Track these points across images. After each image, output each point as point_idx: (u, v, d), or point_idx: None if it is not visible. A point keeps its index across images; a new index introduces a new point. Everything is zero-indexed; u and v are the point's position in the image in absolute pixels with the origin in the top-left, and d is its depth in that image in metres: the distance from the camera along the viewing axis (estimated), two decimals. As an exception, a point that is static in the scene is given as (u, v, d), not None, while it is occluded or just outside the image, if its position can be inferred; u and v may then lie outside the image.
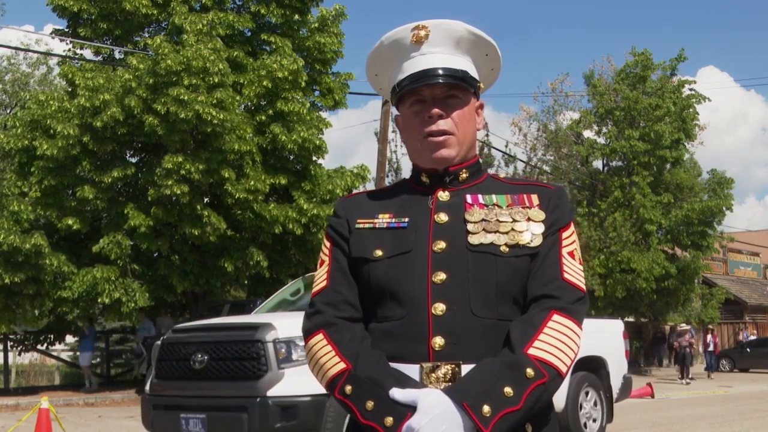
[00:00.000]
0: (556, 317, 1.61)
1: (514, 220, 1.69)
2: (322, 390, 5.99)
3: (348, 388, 1.61)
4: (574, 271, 1.69)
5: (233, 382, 6.37)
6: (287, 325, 6.49)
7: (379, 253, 1.71)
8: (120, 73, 15.93)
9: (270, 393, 6.13)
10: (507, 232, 1.68)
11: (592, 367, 8.73)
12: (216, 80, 15.25)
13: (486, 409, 1.49)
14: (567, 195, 1.80)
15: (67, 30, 18.51)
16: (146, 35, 17.99)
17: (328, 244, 1.82)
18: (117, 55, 18.46)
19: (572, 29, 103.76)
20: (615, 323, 10.04)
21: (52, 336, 20.82)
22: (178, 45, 15.66)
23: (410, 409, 1.52)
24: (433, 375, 1.60)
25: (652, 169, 27.17)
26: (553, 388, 1.59)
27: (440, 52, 1.74)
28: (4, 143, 16.82)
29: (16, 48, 25.14)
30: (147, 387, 7.20)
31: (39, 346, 21.51)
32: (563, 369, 1.58)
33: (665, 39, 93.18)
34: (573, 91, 29.06)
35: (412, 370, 1.61)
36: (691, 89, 28.15)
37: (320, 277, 1.79)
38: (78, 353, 18.36)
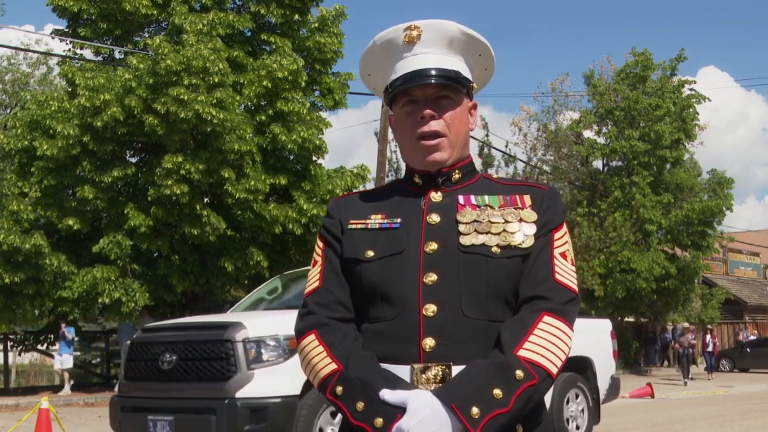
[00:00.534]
0: (546, 318, 1.61)
1: (506, 221, 1.69)
2: (293, 391, 5.67)
3: (339, 389, 1.61)
4: (565, 273, 1.69)
5: (202, 383, 6.21)
6: (258, 324, 6.35)
7: (370, 253, 1.71)
8: (120, 73, 15.93)
9: (239, 394, 5.98)
10: (499, 233, 1.68)
11: (578, 368, 8.53)
12: (216, 80, 15.25)
13: (475, 410, 1.49)
14: (560, 195, 1.79)
15: (67, 30, 18.52)
16: (146, 35, 18.00)
17: (321, 244, 1.82)
18: (117, 55, 18.47)
19: (572, 29, 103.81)
20: (602, 323, 9.82)
21: (52, 336, 20.82)
22: (178, 45, 15.66)
23: (400, 410, 1.53)
24: (424, 376, 1.60)
25: (652, 169, 27.17)
26: (544, 389, 1.59)
27: (433, 53, 1.73)
28: (4, 143, 16.84)
29: (16, 48, 25.16)
30: (116, 388, 7.05)
31: (39, 346, 21.52)
32: (553, 370, 1.58)
33: (665, 39, 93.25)
34: (573, 91, 29.07)
35: (403, 371, 1.61)
36: (691, 89, 28.17)
37: (313, 278, 1.79)
38: (58, 356, 17.70)
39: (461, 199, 1.74)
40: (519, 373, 1.53)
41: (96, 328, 23.62)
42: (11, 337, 20.65)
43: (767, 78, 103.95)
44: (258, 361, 6.10)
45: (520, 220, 1.70)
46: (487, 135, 26.94)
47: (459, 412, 1.49)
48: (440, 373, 1.60)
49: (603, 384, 8.72)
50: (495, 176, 1.86)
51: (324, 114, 18.61)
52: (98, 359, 22.16)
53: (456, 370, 1.59)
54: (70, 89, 17.33)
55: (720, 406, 15.03)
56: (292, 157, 17.65)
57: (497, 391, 1.51)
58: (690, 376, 21.82)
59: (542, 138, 28.30)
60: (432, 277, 1.65)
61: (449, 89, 1.73)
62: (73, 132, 15.59)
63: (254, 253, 16.57)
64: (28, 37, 29.11)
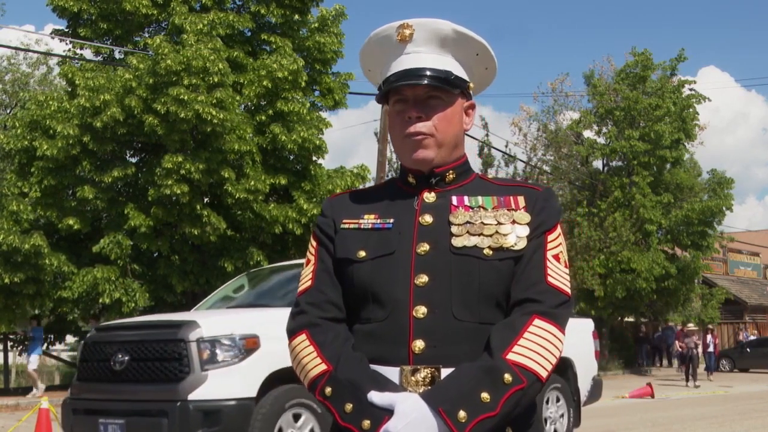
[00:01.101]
0: (537, 322, 1.60)
1: (499, 223, 1.68)
2: (249, 393, 5.55)
3: (328, 390, 1.61)
4: (558, 275, 1.67)
5: (154, 385, 5.96)
6: (213, 323, 6.12)
7: (362, 254, 1.70)
8: (120, 73, 15.93)
9: (192, 396, 5.73)
10: (491, 235, 1.66)
11: (558, 369, 8.25)
12: (216, 80, 15.25)
13: (462, 414, 1.49)
14: (555, 197, 1.77)
15: (67, 30, 18.52)
16: (146, 35, 17.99)
17: (314, 243, 1.82)
18: (117, 55, 18.46)
19: (572, 29, 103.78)
20: (584, 322, 9.62)
21: (52, 336, 20.83)
22: (178, 45, 15.66)
23: (387, 412, 1.52)
24: (413, 378, 1.59)
25: (652, 169, 27.18)
26: (532, 393, 1.57)
27: (425, 52, 1.72)
28: (4, 143, 16.85)
29: (16, 48, 25.15)
30: (69, 389, 6.85)
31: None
32: (543, 374, 1.57)
33: (665, 39, 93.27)
34: (573, 91, 29.07)
35: (392, 373, 1.61)
36: (691, 89, 28.17)
37: (305, 277, 1.79)
38: (26, 357, 17.32)
39: (455, 200, 1.73)
40: (507, 377, 1.53)
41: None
42: (11, 337, 20.65)
43: (767, 78, 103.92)
44: (212, 362, 5.87)
45: (513, 221, 1.69)
46: (487, 135, 26.97)
47: (446, 415, 1.49)
48: (429, 375, 1.59)
49: (584, 386, 8.51)
50: (491, 176, 1.84)
51: (324, 114, 18.62)
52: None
53: (445, 372, 1.58)
54: (70, 89, 17.32)
55: (720, 406, 15.03)
56: (292, 157, 17.65)
57: (485, 395, 1.51)
58: (696, 381, 21.22)
59: (542, 138, 28.30)
60: (423, 279, 1.64)
61: (439, 90, 1.71)
62: (73, 132, 15.59)
63: (254, 253, 16.57)
64: (28, 37, 29.14)
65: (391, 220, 1.73)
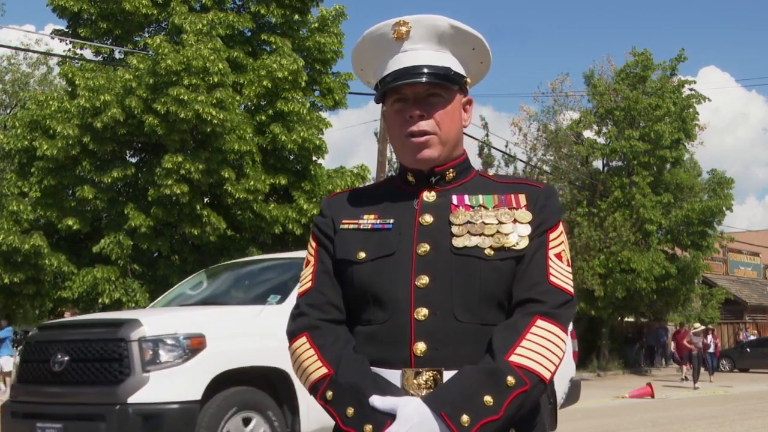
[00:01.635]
0: (539, 322, 1.57)
1: (500, 222, 1.66)
2: (193, 396, 5.31)
3: (329, 394, 1.59)
4: (561, 274, 1.65)
5: (94, 387, 5.65)
6: (157, 321, 5.82)
7: (362, 255, 1.68)
8: (120, 73, 15.93)
9: (131, 399, 5.42)
10: (492, 235, 1.64)
11: None
12: (216, 80, 15.25)
13: (465, 418, 1.47)
14: (556, 194, 1.75)
15: (67, 30, 18.52)
16: (146, 35, 17.99)
17: (314, 244, 1.79)
18: (117, 55, 18.46)
19: (572, 29, 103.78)
20: None
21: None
22: (178, 45, 15.66)
23: (390, 416, 1.51)
24: (415, 381, 1.57)
25: (652, 169, 27.17)
26: (536, 395, 1.56)
27: (422, 49, 1.69)
28: (4, 143, 16.85)
29: (16, 48, 25.15)
30: (9, 392, 6.59)
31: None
32: (546, 376, 1.55)
33: (665, 39, 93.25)
34: (573, 91, 29.05)
35: (394, 376, 1.59)
36: (691, 89, 28.17)
37: (305, 278, 1.76)
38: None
39: (455, 199, 1.70)
40: (510, 379, 1.51)
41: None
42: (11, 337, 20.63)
43: (767, 78, 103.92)
44: (154, 363, 5.54)
45: (515, 220, 1.66)
46: (487, 135, 26.96)
47: (448, 419, 1.47)
48: (431, 378, 1.57)
49: (561, 387, 8.30)
50: (491, 174, 1.83)
51: (324, 114, 18.62)
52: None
53: (447, 375, 1.56)
54: (70, 89, 17.32)
55: (720, 406, 15.03)
56: (292, 157, 17.65)
57: (488, 398, 1.49)
58: (696, 382, 20.91)
59: (542, 138, 28.29)
60: (424, 280, 1.61)
61: (439, 87, 1.69)
62: (73, 132, 15.59)
63: (254, 253, 16.56)
64: (28, 37, 29.13)
65: (391, 221, 1.70)
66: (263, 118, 16.85)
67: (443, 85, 1.69)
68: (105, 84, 15.63)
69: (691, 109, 27.72)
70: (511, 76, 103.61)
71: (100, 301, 15.94)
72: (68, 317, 7.34)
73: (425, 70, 1.67)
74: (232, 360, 5.77)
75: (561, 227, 1.72)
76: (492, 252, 1.63)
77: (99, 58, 18.38)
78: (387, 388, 1.56)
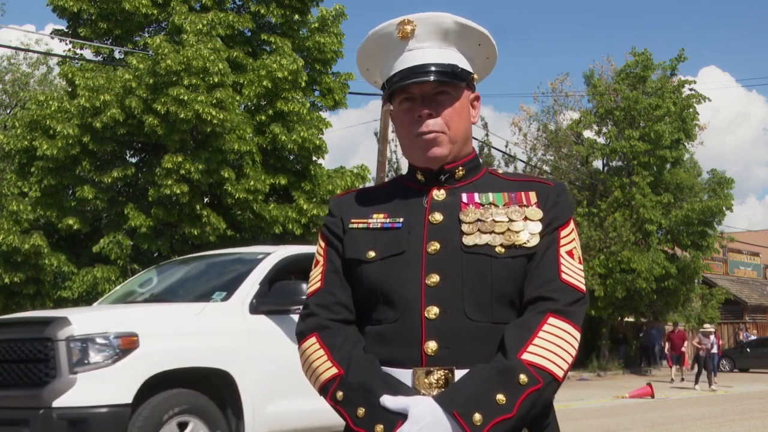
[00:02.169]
0: (552, 320, 1.56)
1: (511, 220, 1.65)
2: (124, 399, 5.02)
3: (339, 394, 1.58)
4: (572, 272, 1.64)
5: (17, 390, 5.33)
6: (87, 319, 5.49)
7: (372, 254, 1.67)
8: (120, 73, 15.93)
9: (56, 403, 5.09)
10: (503, 233, 1.63)
11: None
12: (216, 80, 15.25)
13: (477, 417, 1.46)
14: (567, 191, 1.74)
15: (67, 30, 18.51)
16: (146, 35, 17.99)
17: (323, 244, 1.78)
18: (117, 55, 18.46)
19: (572, 29, 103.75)
20: None
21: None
22: (178, 45, 15.66)
23: (401, 416, 1.49)
24: (426, 380, 1.56)
25: (652, 169, 27.18)
26: (549, 393, 1.54)
27: (428, 47, 1.69)
28: (3, 143, 16.85)
29: (16, 48, 25.13)
30: None
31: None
32: (559, 374, 1.54)
33: (665, 39, 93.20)
34: (573, 91, 29.08)
35: (404, 375, 1.57)
36: (691, 89, 28.17)
37: (314, 278, 1.75)
38: None
39: (464, 197, 1.69)
40: (523, 377, 1.50)
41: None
42: None
43: None
44: (82, 364, 5.20)
45: (525, 218, 1.65)
46: (487, 135, 26.97)
47: (461, 419, 1.46)
48: (443, 377, 1.56)
49: None
50: (500, 171, 1.81)
51: (324, 114, 18.61)
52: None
53: (459, 373, 1.55)
54: (70, 89, 17.32)
55: (720, 406, 15.03)
56: (292, 157, 17.64)
57: (500, 397, 1.48)
58: (697, 384, 20.20)
59: (542, 138, 28.32)
60: (434, 279, 1.60)
61: (447, 85, 1.68)
62: (73, 132, 15.59)
63: (254, 253, 16.57)
64: (28, 37, 29.10)
65: (401, 220, 1.69)
66: (263, 118, 16.85)
67: (451, 83, 1.68)
68: (105, 84, 15.63)
69: (691, 109, 27.72)
70: (511, 76, 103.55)
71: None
72: None
73: (432, 68, 1.67)
74: (168, 361, 5.46)
75: (572, 224, 1.71)
76: (503, 250, 1.62)
77: (99, 58, 18.38)
78: (398, 388, 1.55)
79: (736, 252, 40.33)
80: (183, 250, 16.77)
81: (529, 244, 1.63)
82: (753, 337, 34.11)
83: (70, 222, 16.00)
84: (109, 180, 15.84)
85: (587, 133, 28.51)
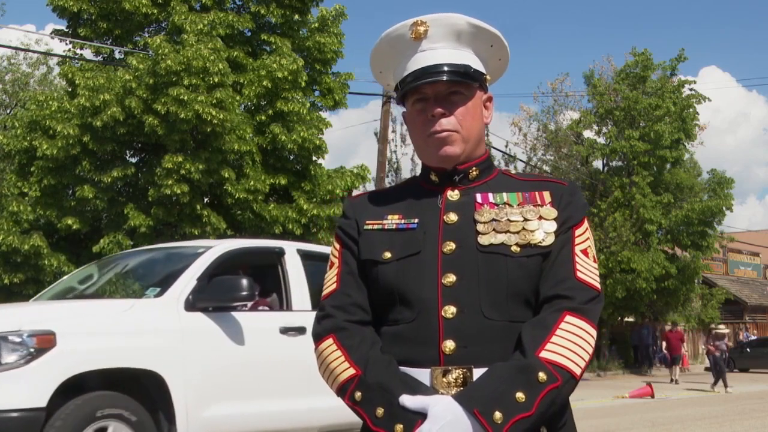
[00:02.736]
0: (568, 318, 1.58)
1: (525, 219, 1.66)
2: (37, 402, 4.66)
3: (358, 395, 1.58)
4: (587, 270, 1.65)
5: None
6: (2, 316, 5.12)
7: (387, 255, 1.68)
8: (120, 73, 15.92)
9: None
10: (518, 232, 1.64)
11: None
12: (216, 80, 15.25)
13: (497, 415, 1.46)
14: (580, 191, 1.75)
15: (67, 30, 18.51)
16: (146, 35, 17.99)
17: (337, 246, 1.79)
18: (117, 55, 18.46)
19: (572, 29, 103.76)
20: None
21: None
22: (178, 45, 15.66)
23: (420, 416, 1.50)
24: (444, 379, 1.57)
25: (652, 169, 27.19)
26: (567, 391, 1.55)
27: (441, 48, 1.70)
28: (3, 144, 16.85)
29: (16, 48, 25.12)
30: None
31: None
32: (577, 371, 1.55)
33: (665, 39, 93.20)
34: (573, 91, 29.08)
35: (423, 375, 1.58)
36: (691, 89, 28.19)
37: (330, 280, 1.76)
38: None
39: (479, 197, 1.70)
40: (542, 375, 1.50)
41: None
42: None
43: None
44: None
45: (540, 217, 1.66)
46: (487, 135, 26.95)
47: (481, 417, 1.46)
48: (461, 376, 1.56)
49: None
50: (513, 172, 1.83)
51: (324, 114, 18.61)
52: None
53: (477, 372, 1.55)
54: (70, 89, 17.32)
55: (720, 406, 15.03)
56: (292, 157, 17.64)
57: (520, 395, 1.48)
58: (728, 386, 19.58)
59: (542, 138, 28.33)
60: (450, 278, 1.61)
61: (460, 85, 1.69)
62: (73, 132, 15.58)
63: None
64: (28, 37, 29.10)
65: (416, 220, 1.70)
66: (263, 118, 16.84)
67: (464, 83, 1.70)
68: (105, 84, 15.63)
69: (691, 109, 27.74)
70: (511, 76, 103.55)
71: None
72: None
73: (445, 68, 1.68)
74: (89, 361, 5.01)
75: (586, 223, 1.72)
76: (518, 249, 1.63)
77: (99, 58, 18.37)
78: (417, 388, 1.55)
79: (736, 252, 40.34)
80: (183, 250, 16.78)
81: (544, 243, 1.64)
82: (753, 337, 34.09)
83: (70, 222, 15.99)
84: (109, 180, 15.84)
85: (587, 133, 28.54)
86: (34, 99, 17.13)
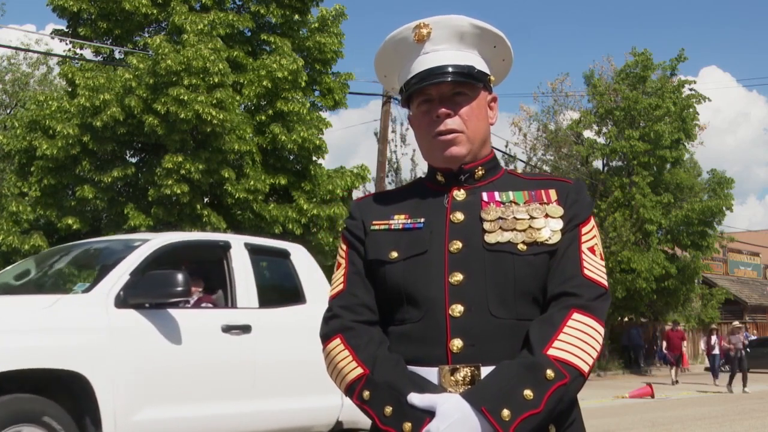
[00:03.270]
0: (576, 315, 1.58)
1: (532, 217, 1.66)
2: None
3: (366, 394, 1.59)
4: (594, 267, 1.65)
5: None
6: None
7: (394, 254, 1.68)
8: (120, 72, 15.93)
9: None
10: (524, 230, 1.65)
11: None
12: (216, 80, 15.25)
13: (506, 413, 1.47)
14: (586, 189, 1.76)
15: (67, 30, 18.52)
16: (146, 35, 17.99)
17: (344, 246, 1.79)
18: (117, 55, 18.46)
19: (572, 29, 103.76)
20: None
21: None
22: (178, 45, 15.67)
23: (429, 414, 1.50)
24: (452, 378, 1.57)
25: (652, 169, 27.21)
26: (575, 388, 1.55)
27: (444, 49, 1.71)
28: (3, 144, 16.86)
29: (16, 48, 25.12)
30: None
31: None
32: (585, 369, 1.55)
33: (665, 39, 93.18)
34: (573, 91, 29.10)
35: (430, 373, 1.59)
36: (691, 89, 28.20)
37: (337, 281, 1.77)
38: None
39: (485, 196, 1.71)
40: (549, 372, 1.51)
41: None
42: None
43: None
44: None
45: (546, 215, 1.67)
46: (487, 135, 26.99)
47: (489, 414, 1.46)
48: (469, 374, 1.57)
49: None
50: (519, 171, 1.83)
51: (324, 114, 18.62)
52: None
53: (485, 371, 1.56)
54: (70, 89, 17.33)
55: (720, 406, 15.03)
56: (292, 157, 17.64)
57: (528, 392, 1.49)
58: (746, 386, 19.18)
59: (542, 138, 28.33)
60: (458, 277, 1.62)
61: (464, 85, 1.70)
62: (73, 132, 15.59)
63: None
64: (28, 37, 29.09)
65: (422, 220, 1.71)
66: (263, 118, 16.85)
67: (468, 84, 1.71)
68: (105, 84, 15.63)
69: (691, 109, 27.76)
70: (511, 76, 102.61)
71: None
72: None
73: (449, 69, 1.69)
74: (4, 361, 4.59)
75: (593, 221, 1.73)
76: (525, 247, 1.64)
77: (99, 57, 18.38)
78: (425, 386, 1.56)
79: (736, 252, 40.34)
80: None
81: (550, 241, 1.65)
82: (753, 337, 34.08)
83: (70, 222, 15.99)
84: (109, 180, 15.84)
85: (587, 133, 28.56)
86: (34, 99, 17.15)
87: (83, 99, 15.55)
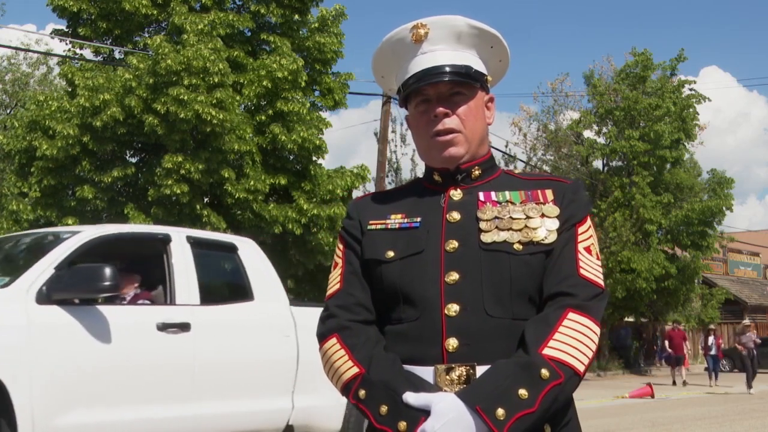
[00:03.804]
0: (571, 315, 1.58)
1: (528, 217, 1.67)
2: None
3: (362, 393, 1.59)
4: (591, 267, 1.67)
5: None
6: None
7: (391, 254, 1.69)
8: (120, 72, 15.93)
9: None
10: (520, 230, 1.65)
11: None
12: (216, 80, 15.25)
13: (500, 412, 1.47)
14: (583, 188, 1.76)
15: (67, 30, 18.52)
16: (146, 35, 18.00)
17: (341, 246, 1.80)
18: (117, 55, 18.46)
19: (572, 29, 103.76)
20: None
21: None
22: (178, 45, 15.67)
23: (424, 413, 1.51)
24: (448, 377, 1.58)
25: (652, 169, 27.22)
26: (570, 388, 1.56)
27: (442, 49, 1.71)
28: (3, 144, 16.86)
29: (16, 48, 25.13)
30: None
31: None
32: (580, 368, 1.55)
33: (665, 39, 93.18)
34: (573, 91, 29.10)
35: (426, 373, 1.59)
36: (691, 89, 28.21)
37: (334, 280, 1.77)
38: None
39: (482, 195, 1.71)
40: (544, 372, 1.51)
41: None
42: None
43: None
44: None
45: (542, 215, 1.67)
46: (486, 135, 26.99)
47: (484, 413, 1.47)
48: (464, 373, 1.57)
49: None
50: (516, 171, 1.84)
51: (324, 114, 18.62)
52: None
53: (480, 370, 1.56)
54: (70, 89, 17.33)
55: (720, 406, 15.04)
56: (292, 157, 17.65)
57: (522, 392, 1.49)
58: (752, 386, 18.75)
59: (542, 138, 28.34)
60: (454, 276, 1.62)
61: (462, 85, 1.71)
62: (73, 132, 15.59)
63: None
64: (29, 37, 29.10)
65: (419, 219, 1.71)
66: (263, 118, 16.85)
67: (465, 83, 1.71)
68: (105, 84, 15.63)
69: (691, 109, 27.77)
70: (511, 76, 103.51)
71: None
72: None
73: (447, 69, 1.69)
74: None
75: (589, 221, 1.73)
76: (521, 247, 1.64)
77: (99, 58, 18.38)
78: (420, 385, 1.56)
79: (736, 252, 40.34)
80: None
81: (546, 241, 1.65)
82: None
83: (70, 222, 15.96)
84: (109, 180, 15.84)
85: (587, 133, 28.57)
86: (34, 99, 17.14)
87: (83, 99, 15.56)
